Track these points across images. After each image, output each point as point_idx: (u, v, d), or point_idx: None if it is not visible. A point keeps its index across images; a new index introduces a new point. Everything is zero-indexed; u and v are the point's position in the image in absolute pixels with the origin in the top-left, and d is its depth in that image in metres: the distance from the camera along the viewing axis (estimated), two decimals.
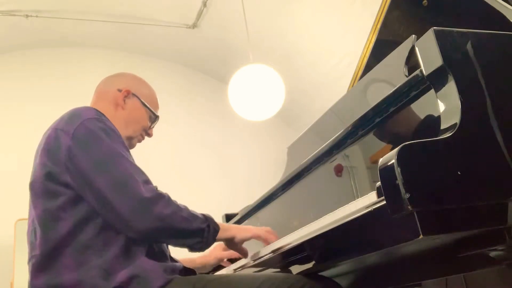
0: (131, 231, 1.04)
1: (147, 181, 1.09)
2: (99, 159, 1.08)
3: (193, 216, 1.11)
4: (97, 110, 1.19)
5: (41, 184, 1.09)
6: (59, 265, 1.03)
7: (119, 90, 1.33)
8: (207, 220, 1.13)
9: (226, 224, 1.22)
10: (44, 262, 1.05)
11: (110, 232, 1.06)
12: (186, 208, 1.11)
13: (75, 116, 1.14)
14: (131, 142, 1.34)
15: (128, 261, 1.04)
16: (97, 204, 1.06)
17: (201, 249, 1.13)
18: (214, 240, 1.14)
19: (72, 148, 1.08)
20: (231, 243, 1.22)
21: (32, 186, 1.13)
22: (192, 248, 1.13)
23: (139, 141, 1.38)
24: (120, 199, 1.03)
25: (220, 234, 1.16)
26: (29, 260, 1.10)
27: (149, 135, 1.40)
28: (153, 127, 1.40)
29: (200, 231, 1.10)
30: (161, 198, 1.06)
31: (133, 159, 1.17)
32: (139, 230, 1.03)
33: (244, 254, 1.26)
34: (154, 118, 1.38)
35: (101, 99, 1.34)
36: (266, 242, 1.20)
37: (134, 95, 1.34)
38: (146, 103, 1.35)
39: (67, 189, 1.07)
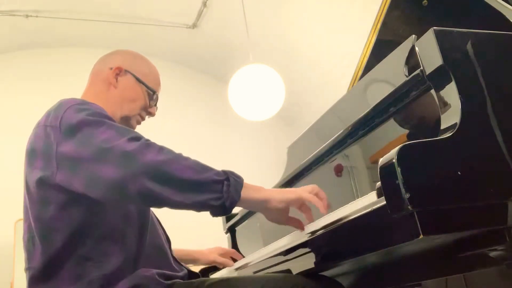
0: (126, 193, 0.91)
1: (136, 137, 0.95)
2: (81, 137, 0.98)
3: (203, 167, 0.93)
4: (82, 99, 1.12)
5: (36, 189, 1.03)
6: (57, 279, 0.99)
7: (111, 69, 1.24)
8: (226, 173, 0.94)
9: (255, 185, 0.98)
10: (42, 275, 1.00)
11: (109, 242, 1.02)
12: (195, 160, 0.94)
13: (59, 108, 1.06)
14: (128, 122, 1.24)
15: (128, 271, 1.01)
16: (85, 184, 0.96)
17: (224, 208, 0.91)
18: (239, 196, 0.93)
19: (60, 142, 1.00)
20: (268, 210, 0.98)
21: (28, 189, 1.07)
22: (212, 207, 0.92)
23: (138, 122, 1.27)
24: (106, 164, 0.92)
25: (249, 193, 0.95)
26: (26, 269, 1.05)
27: (151, 114, 1.29)
28: (154, 105, 1.29)
29: (215, 183, 0.91)
30: (150, 146, 0.93)
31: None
32: (134, 188, 0.89)
33: (298, 226, 1.01)
34: (152, 94, 1.26)
35: (94, 80, 1.26)
36: (321, 208, 0.95)
37: (127, 71, 1.24)
38: (141, 79, 1.25)
39: (57, 194, 1.00)
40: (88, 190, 0.97)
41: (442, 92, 0.85)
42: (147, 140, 0.96)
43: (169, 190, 0.90)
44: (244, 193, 0.94)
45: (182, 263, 1.23)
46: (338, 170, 1.26)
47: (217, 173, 0.94)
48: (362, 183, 1.17)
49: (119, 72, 1.24)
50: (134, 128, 1.26)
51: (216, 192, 0.91)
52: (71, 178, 0.98)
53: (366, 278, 1.31)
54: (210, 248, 1.59)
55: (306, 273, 1.02)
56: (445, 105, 0.83)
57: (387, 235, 0.75)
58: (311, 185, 1.01)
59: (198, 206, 0.92)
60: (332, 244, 0.91)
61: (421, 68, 0.88)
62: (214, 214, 0.95)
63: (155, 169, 0.90)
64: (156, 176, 0.90)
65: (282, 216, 1.00)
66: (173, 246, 1.26)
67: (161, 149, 0.94)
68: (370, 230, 0.79)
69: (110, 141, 0.94)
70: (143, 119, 1.29)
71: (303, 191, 0.98)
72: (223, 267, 1.56)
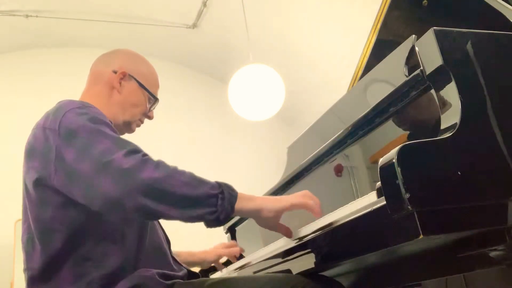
0: (123, 209, 0.92)
1: (133, 151, 0.96)
2: (80, 146, 0.97)
3: (198, 181, 0.96)
4: (81, 102, 1.12)
5: (33, 190, 1.03)
6: (56, 279, 0.99)
7: (115, 72, 1.23)
8: (220, 186, 0.97)
9: (248, 194, 1.01)
10: (41, 276, 1.00)
11: (108, 242, 1.02)
12: (190, 173, 0.97)
13: (58, 111, 1.05)
14: (130, 126, 1.26)
15: (127, 271, 1.01)
16: (84, 196, 0.96)
17: (218, 221, 0.95)
18: (233, 209, 0.96)
19: (59, 146, 0.99)
20: (260, 219, 1.01)
21: (26, 189, 1.07)
22: (206, 221, 0.96)
23: (138, 125, 1.29)
24: (104, 178, 0.92)
25: (242, 204, 0.98)
26: (25, 270, 1.05)
27: (150, 117, 1.30)
28: (153, 109, 1.30)
29: (209, 198, 0.94)
30: (147, 163, 0.93)
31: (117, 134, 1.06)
32: (131, 205, 0.91)
33: (287, 233, 1.04)
34: (153, 100, 1.28)
35: (95, 81, 1.25)
36: (314, 211, 1.01)
37: (131, 76, 1.24)
38: (144, 85, 1.25)
39: (55, 195, 1.00)
40: (87, 202, 0.97)
41: (442, 92, 0.85)
42: (144, 155, 0.97)
43: (165, 206, 0.92)
44: (237, 205, 0.97)
45: (184, 265, 1.23)
46: (338, 170, 1.26)
47: (212, 186, 0.96)
48: (362, 183, 1.17)
49: (123, 76, 1.24)
50: (133, 131, 1.28)
51: (211, 206, 0.94)
52: (70, 187, 0.98)
53: (366, 278, 1.31)
54: (212, 247, 1.60)
55: (306, 273, 1.02)
56: (445, 105, 0.83)
57: (387, 235, 0.75)
58: (302, 191, 1.04)
59: (193, 220, 0.95)
60: (332, 244, 0.91)
61: (421, 68, 0.88)
62: (209, 226, 0.99)
63: (151, 187, 0.91)
64: (152, 193, 0.91)
65: (273, 223, 1.03)
66: (173, 247, 1.26)
67: (158, 165, 0.95)
68: (370, 230, 0.79)
69: (108, 154, 0.95)
70: (142, 122, 1.30)
71: (295, 197, 1.02)
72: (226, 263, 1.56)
